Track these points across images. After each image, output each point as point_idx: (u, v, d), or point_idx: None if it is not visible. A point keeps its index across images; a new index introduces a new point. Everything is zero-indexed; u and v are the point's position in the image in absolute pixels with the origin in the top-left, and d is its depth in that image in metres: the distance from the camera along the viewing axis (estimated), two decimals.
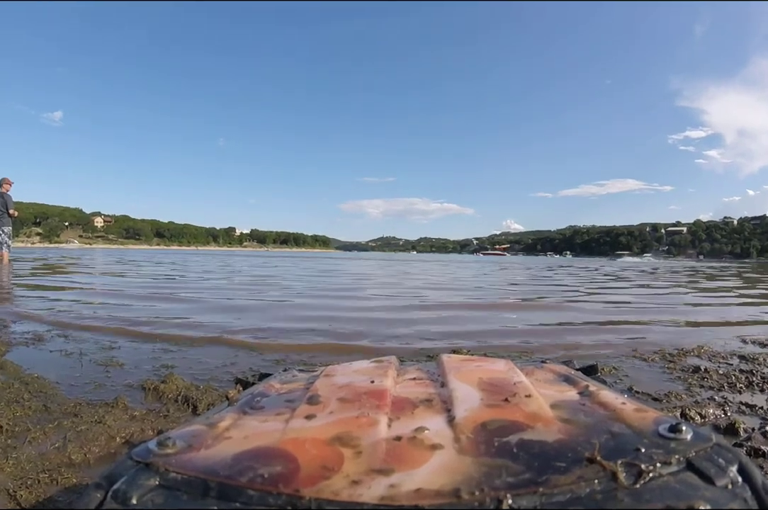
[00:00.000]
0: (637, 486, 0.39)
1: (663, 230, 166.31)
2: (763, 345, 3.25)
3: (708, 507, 0.37)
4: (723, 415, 1.82)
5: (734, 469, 0.42)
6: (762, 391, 2.18)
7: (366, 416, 0.53)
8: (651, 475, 0.41)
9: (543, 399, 0.58)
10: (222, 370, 2.47)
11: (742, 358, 2.84)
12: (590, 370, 0.94)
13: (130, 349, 2.96)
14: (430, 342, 3.14)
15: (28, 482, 1.19)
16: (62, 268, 11.45)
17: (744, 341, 3.38)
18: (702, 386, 2.24)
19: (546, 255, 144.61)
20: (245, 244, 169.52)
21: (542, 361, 0.91)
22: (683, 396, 2.06)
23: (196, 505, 0.40)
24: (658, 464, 0.42)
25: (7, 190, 10.41)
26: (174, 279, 8.57)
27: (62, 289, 6.14)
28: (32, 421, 1.61)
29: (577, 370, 0.89)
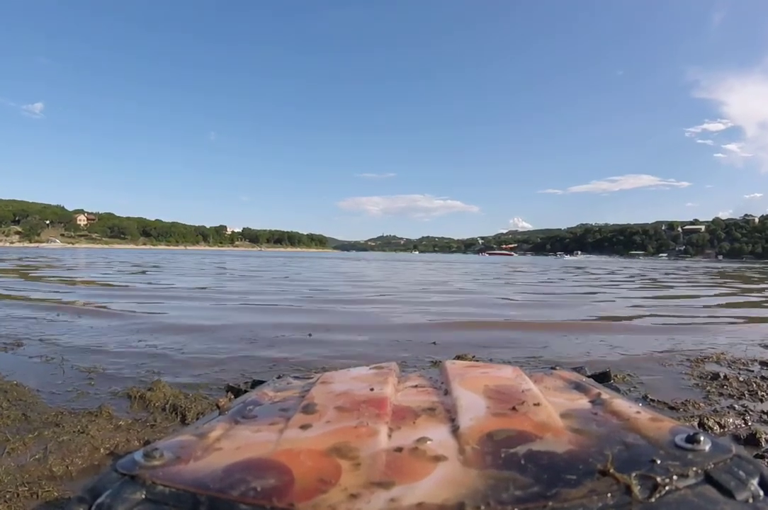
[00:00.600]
0: (653, 500, 0.39)
1: (679, 229, 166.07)
2: None
3: None
4: (743, 425, 1.82)
5: (755, 482, 0.42)
6: None
7: (365, 426, 0.53)
8: (667, 488, 0.40)
9: (553, 408, 0.57)
10: (213, 377, 2.47)
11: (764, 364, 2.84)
12: (603, 377, 0.94)
13: (113, 354, 2.97)
14: None
15: (7, 496, 1.19)
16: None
17: None
18: (722, 394, 2.25)
19: (556, 255, 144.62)
20: (237, 243, 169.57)
21: (552, 368, 0.91)
22: (701, 404, 2.06)
23: None
24: (675, 477, 0.42)
25: None
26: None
27: None
28: (11, 431, 1.61)
29: (589, 377, 0.89)
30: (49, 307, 5.09)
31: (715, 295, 8.61)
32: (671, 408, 2.01)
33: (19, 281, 8.95)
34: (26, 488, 1.22)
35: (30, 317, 4.35)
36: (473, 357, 2.98)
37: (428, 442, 0.49)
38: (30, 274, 10.95)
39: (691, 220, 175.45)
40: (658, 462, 0.43)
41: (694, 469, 0.43)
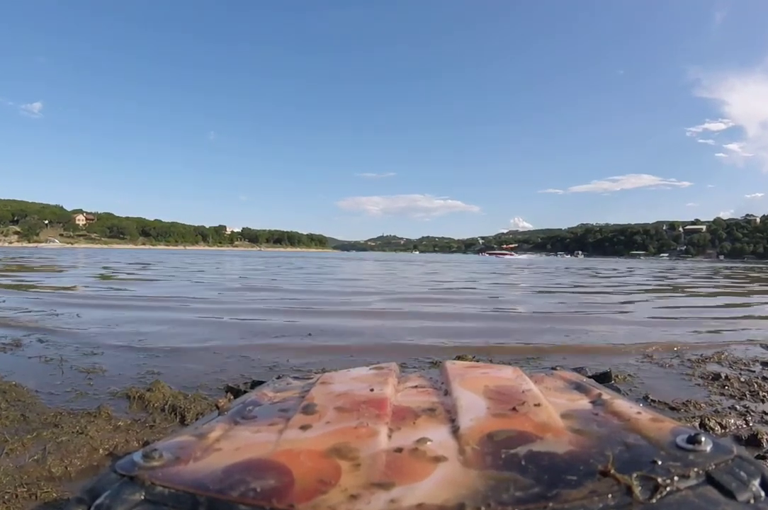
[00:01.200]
0: (654, 501, 0.39)
1: (681, 229, 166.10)
2: None
3: None
4: (744, 426, 1.82)
5: (757, 482, 0.42)
6: None
7: (365, 426, 0.53)
8: (668, 489, 0.40)
9: (553, 408, 0.57)
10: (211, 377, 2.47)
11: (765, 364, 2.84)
12: (603, 378, 0.94)
13: (113, 355, 2.97)
14: None
15: (6, 497, 1.19)
16: None
17: None
18: (723, 394, 2.25)
19: (557, 255, 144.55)
20: (236, 243, 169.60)
21: (552, 368, 0.91)
22: (702, 405, 2.06)
23: None
24: (676, 478, 0.42)
25: None
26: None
27: None
28: (10, 432, 1.61)
29: (590, 377, 0.89)
30: None
31: None
32: (672, 408, 2.01)
33: None
34: (25, 489, 1.22)
35: None
36: (473, 357, 2.98)
37: (428, 443, 0.49)
38: None
39: (693, 220, 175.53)
40: (659, 463, 0.43)
41: (696, 469, 0.43)
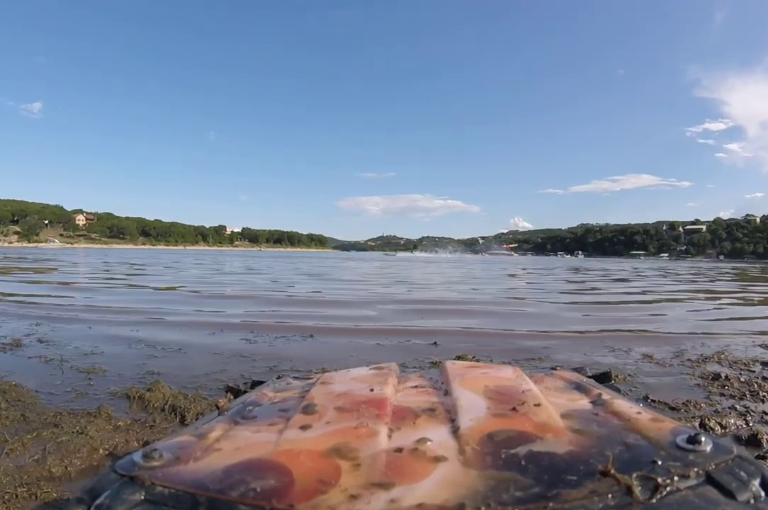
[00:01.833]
0: (654, 501, 0.39)
1: (681, 229, 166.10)
2: None
3: None
4: (745, 426, 1.82)
5: (757, 482, 0.42)
6: None
7: (365, 426, 0.53)
8: (668, 489, 0.41)
9: (553, 408, 0.57)
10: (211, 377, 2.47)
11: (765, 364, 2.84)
12: (603, 378, 0.94)
13: (113, 355, 2.97)
14: None
15: (6, 497, 1.19)
16: None
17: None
18: (723, 394, 2.25)
19: (557, 255, 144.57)
20: (236, 243, 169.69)
21: (552, 368, 0.91)
22: (702, 405, 2.06)
23: None
24: (676, 478, 0.42)
25: None
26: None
27: None
28: (9, 432, 1.61)
29: (590, 377, 0.89)
30: None
31: None
32: (672, 408, 2.01)
33: None
34: (25, 489, 1.22)
35: None
36: (473, 357, 2.98)
37: (428, 443, 0.49)
38: None
39: (693, 220, 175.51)
40: (659, 463, 0.43)
41: (696, 469, 0.43)
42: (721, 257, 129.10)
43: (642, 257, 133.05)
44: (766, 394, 2.23)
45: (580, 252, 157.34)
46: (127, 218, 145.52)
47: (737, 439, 1.69)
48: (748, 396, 2.21)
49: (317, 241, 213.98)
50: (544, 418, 0.53)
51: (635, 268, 27.03)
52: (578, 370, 0.95)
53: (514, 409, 0.56)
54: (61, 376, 2.45)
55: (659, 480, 0.41)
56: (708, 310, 6.69)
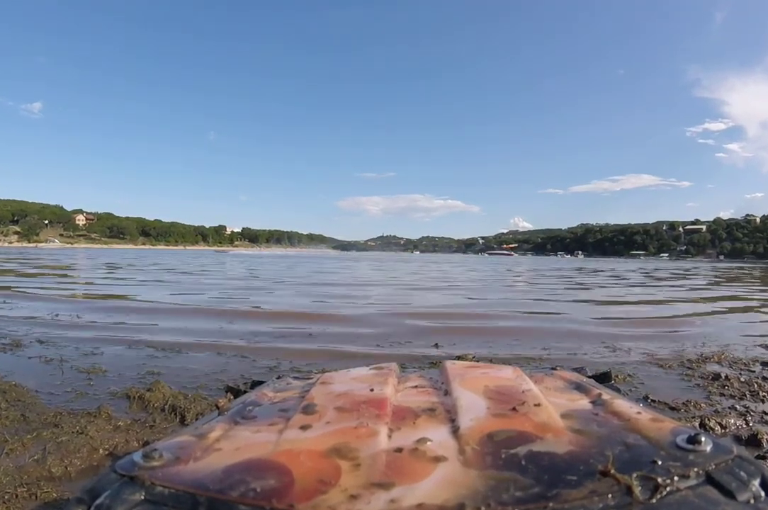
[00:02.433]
0: (654, 501, 0.39)
1: (681, 229, 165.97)
2: None
3: None
4: (745, 426, 1.82)
5: (757, 482, 0.42)
6: None
7: (365, 426, 0.53)
8: (668, 489, 0.41)
9: (553, 408, 0.57)
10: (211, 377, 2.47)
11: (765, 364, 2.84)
12: (603, 378, 0.94)
13: (113, 354, 2.97)
14: None
15: (6, 497, 1.19)
16: None
17: None
18: (723, 394, 2.25)
19: (557, 255, 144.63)
20: (236, 243, 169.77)
21: (552, 368, 0.91)
22: (702, 405, 2.06)
23: None
24: (676, 478, 0.42)
25: None
26: None
27: None
28: (9, 432, 1.61)
29: (590, 377, 0.89)
30: None
31: None
32: (672, 408, 2.01)
33: None
34: (25, 489, 1.23)
35: None
36: (473, 357, 2.99)
37: (428, 443, 0.49)
38: None
39: (693, 220, 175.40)
40: (659, 463, 0.43)
41: (696, 469, 0.43)
42: (721, 257, 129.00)
43: (642, 257, 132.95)
44: (766, 394, 2.23)
45: (580, 252, 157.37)
46: (127, 218, 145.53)
47: (737, 439, 1.69)
48: (748, 396, 2.21)
49: (317, 241, 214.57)
50: (544, 418, 0.53)
51: (641, 268, 26.69)
52: (578, 370, 0.95)
53: (514, 409, 0.56)
54: (61, 376, 2.45)
55: (659, 480, 0.41)
56: None
